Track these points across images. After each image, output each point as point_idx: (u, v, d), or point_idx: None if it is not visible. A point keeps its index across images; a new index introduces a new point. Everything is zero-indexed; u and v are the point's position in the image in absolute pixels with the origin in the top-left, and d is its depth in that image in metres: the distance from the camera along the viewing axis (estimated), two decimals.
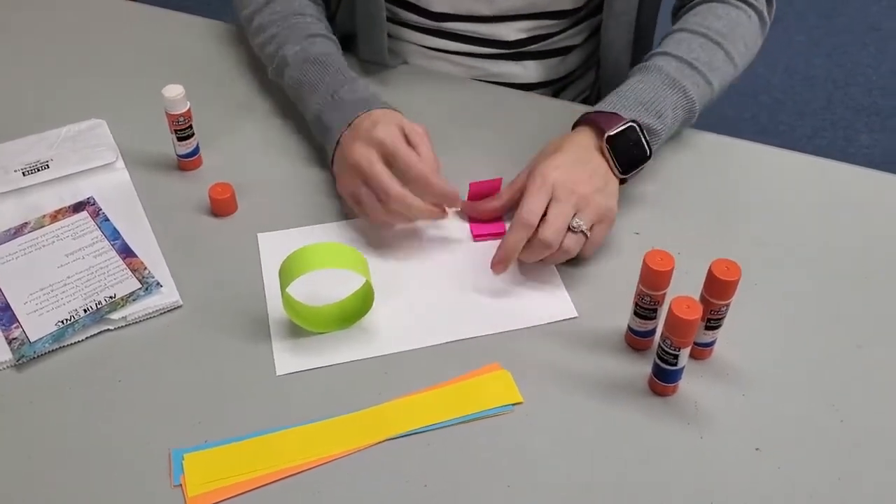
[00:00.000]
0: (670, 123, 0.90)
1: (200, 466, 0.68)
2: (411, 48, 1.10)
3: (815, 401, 0.73)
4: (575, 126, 0.90)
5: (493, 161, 0.94)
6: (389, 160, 0.83)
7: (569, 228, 0.80)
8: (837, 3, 2.72)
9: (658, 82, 0.90)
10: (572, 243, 0.81)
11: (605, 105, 0.89)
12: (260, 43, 1.02)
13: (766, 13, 1.01)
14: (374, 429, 0.71)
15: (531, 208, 0.80)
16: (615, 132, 0.85)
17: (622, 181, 0.87)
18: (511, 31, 1.05)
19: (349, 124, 0.88)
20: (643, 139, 0.86)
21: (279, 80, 1.00)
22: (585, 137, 0.87)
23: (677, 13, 1.03)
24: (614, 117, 0.87)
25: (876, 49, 2.53)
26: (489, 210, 0.88)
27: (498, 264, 0.81)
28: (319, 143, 0.94)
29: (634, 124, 0.86)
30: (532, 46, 1.07)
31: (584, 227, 0.80)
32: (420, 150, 0.85)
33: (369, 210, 0.84)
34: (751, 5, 0.99)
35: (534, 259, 0.81)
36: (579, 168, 0.83)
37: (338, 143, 0.88)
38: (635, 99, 0.89)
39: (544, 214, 0.80)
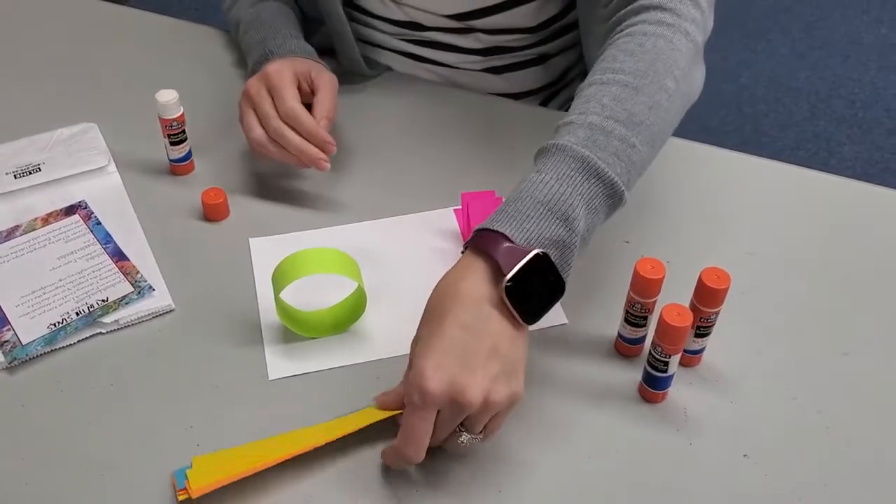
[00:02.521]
0: (585, 225, 0.68)
1: (203, 467, 0.68)
2: (389, 55, 1.11)
3: (802, 408, 0.74)
4: (466, 247, 0.69)
5: (481, 169, 0.95)
6: (272, 94, 0.89)
7: (457, 431, 0.65)
8: (820, 16, 2.75)
9: (563, 168, 0.68)
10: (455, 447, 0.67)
11: (497, 219, 0.67)
12: (226, 8, 1.11)
13: (694, 32, 0.78)
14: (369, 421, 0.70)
15: (410, 442, 0.64)
16: (514, 273, 0.64)
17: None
18: (476, 43, 1.06)
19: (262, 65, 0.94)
20: (554, 268, 0.66)
21: (238, 41, 1.08)
22: (476, 283, 0.65)
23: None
24: (509, 248, 0.65)
25: (858, 62, 2.56)
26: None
27: (388, 460, 0.69)
28: None
29: (540, 254, 0.65)
30: (505, 55, 1.07)
31: (470, 442, 0.65)
32: (318, 94, 0.91)
33: (249, 132, 0.89)
34: (670, 25, 0.77)
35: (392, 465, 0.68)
36: (471, 354, 0.62)
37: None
38: (533, 200, 0.67)
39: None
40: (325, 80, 0.93)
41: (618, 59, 0.75)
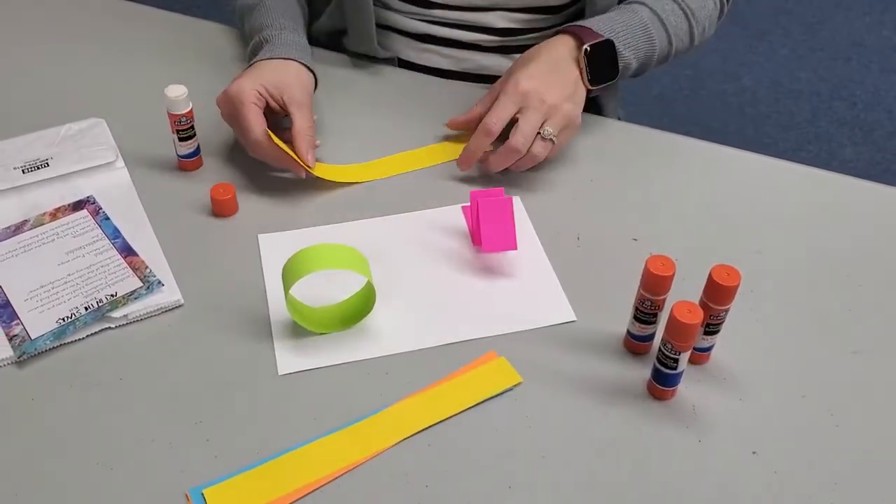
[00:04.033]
0: (629, 62, 0.96)
1: (222, 498, 0.67)
2: (401, 39, 1.11)
3: (811, 405, 0.74)
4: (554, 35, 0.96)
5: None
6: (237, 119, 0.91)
7: (538, 135, 0.89)
8: (822, 17, 2.75)
9: (632, 22, 0.97)
10: (540, 149, 0.89)
11: (584, 22, 0.96)
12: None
13: (724, 9, 1.07)
14: (386, 434, 0.71)
15: (497, 116, 0.89)
16: (595, 42, 0.92)
17: (589, 92, 0.94)
18: (499, 20, 1.06)
19: (251, 63, 0.96)
20: (617, 58, 0.94)
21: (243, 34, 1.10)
22: (563, 47, 0.93)
23: None
24: (592, 33, 0.93)
25: (860, 63, 2.57)
26: (469, 120, 0.96)
27: (462, 163, 0.93)
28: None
29: (612, 42, 0.93)
30: (521, 37, 1.08)
31: (553, 136, 0.89)
32: (294, 114, 0.91)
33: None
34: None
35: (503, 165, 0.91)
36: (552, 77, 0.91)
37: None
38: (610, 28, 0.95)
39: (517, 122, 0.89)
40: (297, 100, 0.92)
41: None
